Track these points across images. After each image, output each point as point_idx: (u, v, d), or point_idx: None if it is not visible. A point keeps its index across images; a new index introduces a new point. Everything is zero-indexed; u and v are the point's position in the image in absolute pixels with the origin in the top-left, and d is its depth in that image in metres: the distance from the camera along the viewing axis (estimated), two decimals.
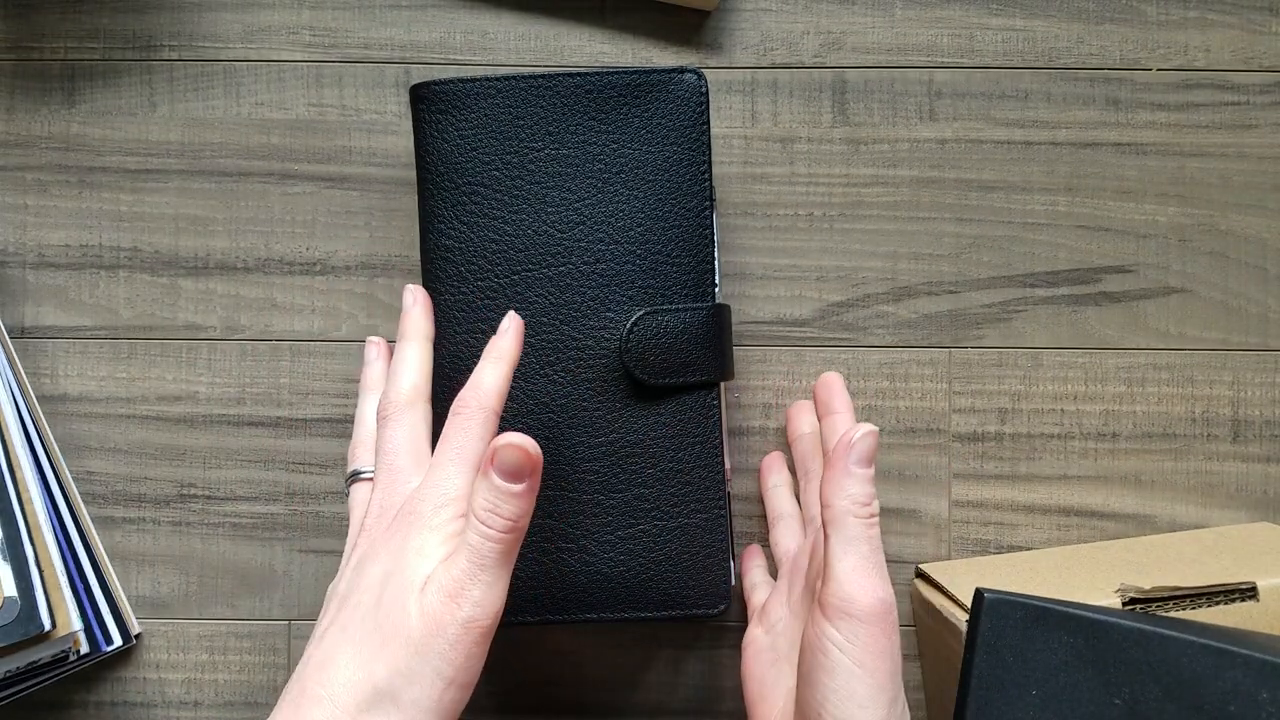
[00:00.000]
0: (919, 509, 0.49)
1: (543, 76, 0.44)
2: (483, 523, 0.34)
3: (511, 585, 0.43)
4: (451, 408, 0.38)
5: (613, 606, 0.43)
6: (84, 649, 0.46)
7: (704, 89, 0.44)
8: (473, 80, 0.44)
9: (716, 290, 0.45)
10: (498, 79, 0.44)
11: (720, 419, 0.44)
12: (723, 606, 0.44)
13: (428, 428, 0.40)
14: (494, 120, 0.44)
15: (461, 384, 0.44)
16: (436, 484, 0.36)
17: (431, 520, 0.36)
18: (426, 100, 0.44)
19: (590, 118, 0.44)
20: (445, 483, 0.36)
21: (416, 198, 0.46)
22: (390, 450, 0.39)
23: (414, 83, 0.46)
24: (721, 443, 0.44)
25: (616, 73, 0.44)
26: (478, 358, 0.43)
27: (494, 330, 0.43)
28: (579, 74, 0.44)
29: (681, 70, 0.44)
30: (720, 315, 0.44)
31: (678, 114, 0.44)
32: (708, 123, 0.44)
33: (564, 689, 0.49)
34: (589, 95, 0.44)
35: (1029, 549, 0.49)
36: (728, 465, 0.45)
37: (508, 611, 0.43)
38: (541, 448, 0.42)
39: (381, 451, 0.39)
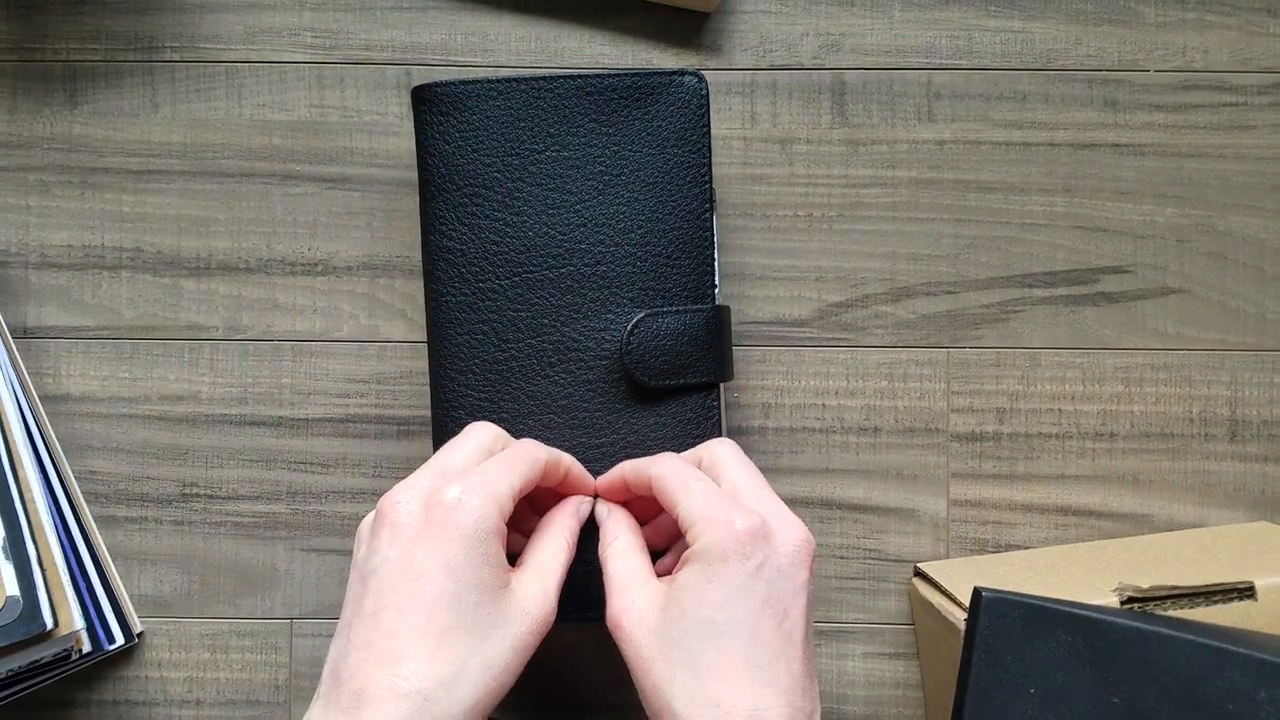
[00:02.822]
0: (917, 508, 0.49)
1: (544, 79, 0.44)
2: None
3: None
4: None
5: None
6: (86, 648, 0.46)
7: (704, 91, 0.44)
8: (474, 82, 0.44)
9: (716, 292, 0.45)
10: (499, 81, 0.44)
11: (720, 420, 0.44)
12: None
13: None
14: (495, 122, 0.44)
15: (462, 385, 0.44)
16: None
17: None
18: (428, 102, 0.45)
19: (591, 120, 0.44)
20: None
21: (418, 199, 0.46)
22: None
23: (415, 84, 0.46)
24: None
25: (617, 75, 0.44)
26: (478, 359, 0.44)
27: (495, 332, 0.44)
28: (580, 76, 0.44)
29: (682, 73, 0.44)
30: (720, 317, 0.44)
31: (678, 116, 0.44)
32: (708, 125, 0.44)
33: (565, 687, 0.49)
34: (590, 97, 0.44)
35: (1027, 548, 0.49)
36: None
37: None
38: None
39: None
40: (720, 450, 0.41)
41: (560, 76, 0.44)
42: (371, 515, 0.38)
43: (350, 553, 0.49)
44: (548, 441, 0.43)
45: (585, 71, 0.45)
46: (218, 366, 0.49)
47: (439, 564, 0.35)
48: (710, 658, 0.35)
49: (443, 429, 0.44)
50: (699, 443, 0.43)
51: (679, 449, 0.43)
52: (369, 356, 0.49)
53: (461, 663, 0.34)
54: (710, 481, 0.39)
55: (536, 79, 0.44)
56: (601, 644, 0.49)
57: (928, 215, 0.50)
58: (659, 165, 0.44)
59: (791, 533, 0.37)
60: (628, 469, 0.42)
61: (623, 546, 0.40)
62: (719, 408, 0.44)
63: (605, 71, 0.45)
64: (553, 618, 0.37)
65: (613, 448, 0.43)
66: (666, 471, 0.39)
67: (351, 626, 0.35)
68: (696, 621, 0.35)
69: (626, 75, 0.44)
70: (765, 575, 0.36)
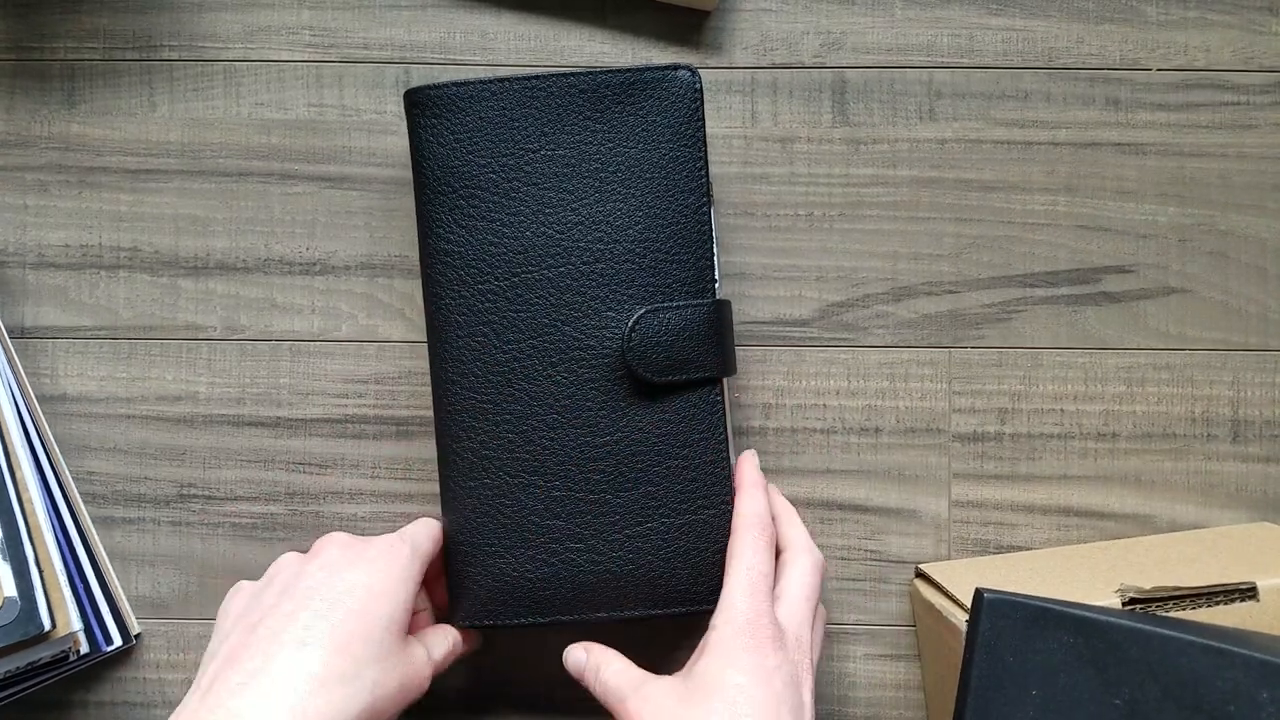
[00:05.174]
0: (919, 509, 0.49)
1: (536, 78, 0.44)
2: None
3: (522, 587, 0.44)
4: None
5: (622, 604, 0.43)
6: (84, 649, 0.46)
7: (697, 85, 0.44)
8: (466, 84, 0.44)
9: (717, 286, 0.44)
10: (490, 81, 0.44)
11: (725, 414, 0.44)
12: None
13: None
14: (489, 123, 0.44)
15: (464, 389, 0.44)
16: None
17: None
18: (421, 105, 0.44)
19: (585, 117, 0.44)
20: None
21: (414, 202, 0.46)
22: None
23: (411, 85, 0.46)
24: (727, 438, 0.44)
25: (610, 72, 0.44)
26: (479, 361, 0.44)
27: (495, 333, 0.43)
28: (572, 74, 0.44)
29: (675, 67, 0.44)
30: (721, 311, 0.44)
31: (672, 111, 0.44)
32: (702, 119, 0.44)
33: (570, 687, 0.49)
34: (583, 95, 0.44)
35: (1029, 549, 0.49)
36: (733, 461, 0.45)
37: (519, 613, 0.43)
38: (547, 448, 0.43)
39: None
40: (804, 558, 0.43)
41: (553, 75, 0.44)
42: None
43: None
44: (551, 441, 0.43)
45: (578, 69, 0.45)
46: (215, 367, 0.49)
47: None
48: None
49: (446, 433, 0.44)
50: (703, 441, 0.43)
51: (684, 444, 0.43)
52: (368, 356, 0.49)
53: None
54: (767, 570, 0.42)
55: (529, 79, 0.44)
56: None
57: (929, 214, 0.49)
58: (654, 161, 0.44)
59: (803, 646, 0.41)
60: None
61: (619, 666, 0.42)
62: (723, 404, 0.44)
63: (598, 69, 0.45)
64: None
65: (616, 446, 0.43)
66: (743, 524, 0.43)
67: None
68: (722, 702, 0.38)
69: (619, 72, 0.44)
70: (782, 675, 0.39)
